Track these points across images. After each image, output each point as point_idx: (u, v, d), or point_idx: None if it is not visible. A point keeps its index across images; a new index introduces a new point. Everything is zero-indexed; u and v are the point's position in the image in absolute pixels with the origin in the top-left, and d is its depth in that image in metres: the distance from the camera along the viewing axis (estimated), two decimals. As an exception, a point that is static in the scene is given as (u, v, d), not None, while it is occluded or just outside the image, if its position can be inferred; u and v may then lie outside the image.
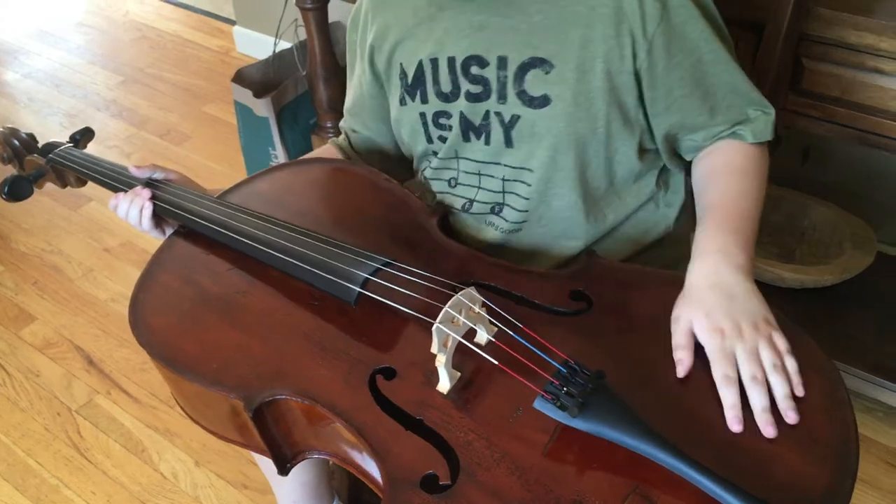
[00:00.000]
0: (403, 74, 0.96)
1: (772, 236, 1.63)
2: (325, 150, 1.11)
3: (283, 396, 0.76)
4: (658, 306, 0.79)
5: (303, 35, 1.85)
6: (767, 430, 0.68)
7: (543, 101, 0.87)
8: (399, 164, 1.08)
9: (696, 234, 0.85)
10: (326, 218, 0.96)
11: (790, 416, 0.69)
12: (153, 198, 0.98)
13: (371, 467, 0.72)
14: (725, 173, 0.90)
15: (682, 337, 0.75)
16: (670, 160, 0.95)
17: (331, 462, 1.04)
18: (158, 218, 0.99)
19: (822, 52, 1.15)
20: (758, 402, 0.70)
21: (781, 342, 0.73)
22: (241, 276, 0.89)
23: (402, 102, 0.97)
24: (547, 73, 0.86)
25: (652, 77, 0.86)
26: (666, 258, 0.98)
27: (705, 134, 0.91)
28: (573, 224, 0.94)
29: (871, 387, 1.42)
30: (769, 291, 1.49)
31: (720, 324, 0.74)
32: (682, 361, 0.74)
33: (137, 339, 0.84)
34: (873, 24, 1.09)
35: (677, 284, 0.80)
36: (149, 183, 1.00)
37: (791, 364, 0.72)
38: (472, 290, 0.76)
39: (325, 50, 1.84)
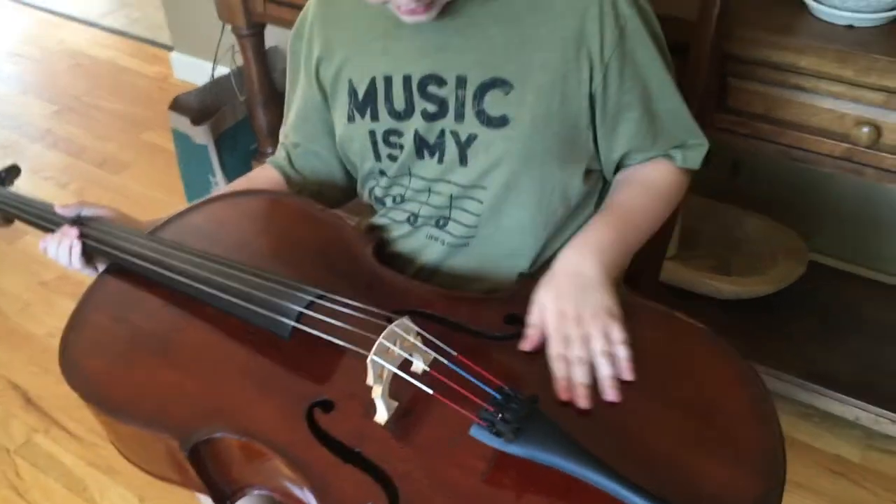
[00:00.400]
0: (353, 91, 0.95)
1: (707, 248, 1.67)
2: (263, 171, 1.09)
3: (220, 434, 0.75)
4: None
5: (241, 60, 1.84)
6: (581, 402, 0.75)
7: (502, 122, 0.88)
8: (342, 181, 1.08)
9: (585, 225, 0.91)
10: (261, 251, 0.95)
11: (609, 394, 0.75)
12: (82, 236, 0.96)
13: (311, 501, 0.72)
14: (639, 185, 0.95)
15: (534, 316, 0.82)
16: (610, 177, 0.98)
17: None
18: (91, 255, 0.97)
19: (746, 71, 1.19)
20: (579, 377, 0.77)
21: (617, 333, 0.79)
22: (175, 312, 0.88)
23: (350, 119, 0.96)
24: (506, 93, 0.87)
25: (604, 100, 0.89)
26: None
27: (644, 156, 0.95)
28: (521, 244, 0.95)
29: (806, 393, 1.45)
30: (707, 304, 1.55)
31: (564, 308, 0.81)
32: (530, 338, 0.80)
33: (69, 383, 0.82)
34: (793, 43, 1.13)
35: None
36: (77, 221, 0.98)
37: (622, 352, 0.78)
38: (405, 320, 0.76)
39: (263, 75, 1.83)
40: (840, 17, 1.13)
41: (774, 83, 1.18)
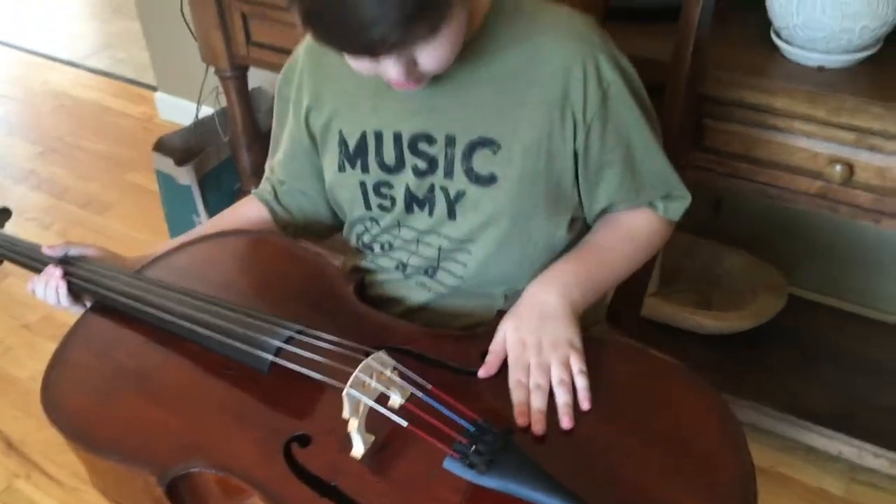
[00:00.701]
0: (343, 142, 0.96)
1: (689, 284, 1.69)
2: (248, 203, 1.09)
3: (197, 469, 0.75)
4: None
5: (224, 101, 1.86)
6: (536, 427, 0.77)
7: (490, 180, 0.90)
8: (328, 219, 1.09)
9: (558, 260, 0.94)
10: (244, 289, 0.97)
11: (564, 421, 0.77)
12: (67, 274, 0.97)
13: (289, 536, 0.72)
14: (618, 228, 0.97)
15: (496, 344, 0.85)
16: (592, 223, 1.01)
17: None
18: (78, 294, 0.98)
19: (721, 112, 1.21)
20: (536, 403, 0.79)
21: (576, 364, 0.82)
22: (157, 349, 0.89)
23: (341, 169, 0.97)
24: (495, 152, 0.89)
25: (586, 158, 0.90)
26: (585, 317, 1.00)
27: (627, 205, 0.97)
28: (504, 289, 0.97)
29: (789, 427, 1.46)
30: (689, 339, 1.56)
31: (525, 337, 0.84)
32: (488, 364, 0.83)
33: (50, 420, 0.82)
34: (765, 84, 1.16)
35: (585, 341, 0.85)
36: (62, 260, 1.00)
37: (580, 382, 0.80)
38: (382, 354, 0.78)
39: (247, 116, 1.85)
40: (810, 58, 1.16)
41: (749, 123, 1.20)
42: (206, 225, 1.08)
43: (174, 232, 2.08)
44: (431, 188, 0.93)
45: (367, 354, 0.78)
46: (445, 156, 0.91)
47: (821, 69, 1.16)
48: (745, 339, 1.58)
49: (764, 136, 1.20)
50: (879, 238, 1.61)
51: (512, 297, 0.96)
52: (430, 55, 0.80)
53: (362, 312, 0.92)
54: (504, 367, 0.83)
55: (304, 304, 0.93)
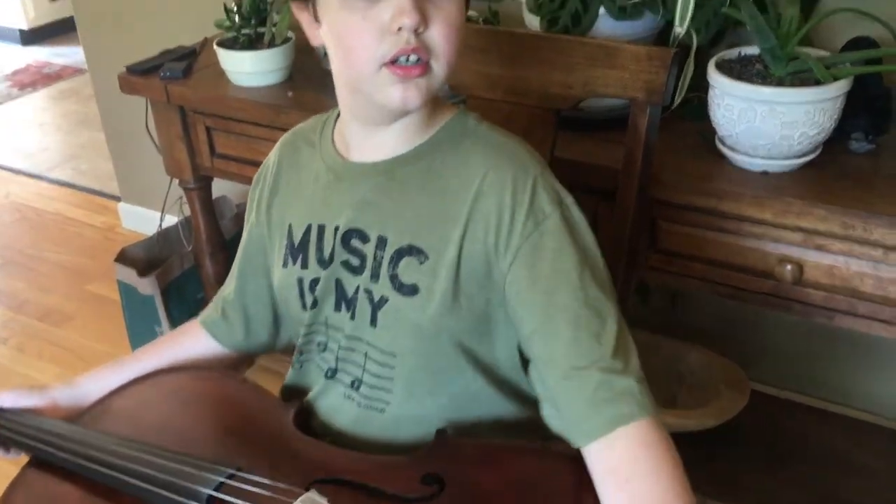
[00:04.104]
0: (290, 235, 0.97)
1: (652, 382, 1.69)
2: (189, 330, 1.10)
3: None
4: (512, 480, 0.81)
5: (188, 211, 1.87)
6: None
7: (412, 290, 0.88)
8: (269, 329, 1.09)
9: None
10: (181, 430, 0.96)
11: None
12: None
13: None
14: (631, 479, 0.78)
15: None
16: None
17: None
18: (6, 443, 0.97)
19: (672, 215, 1.25)
20: None
21: None
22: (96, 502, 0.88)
23: (284, 265, 0.98)
24: (421, 263, 0.88)
25: (517, 291, 0.85)
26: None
27: (550, 346, 0.83)
28: (440, 417, 0.93)
29: (759, 526, 1.45)
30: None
31: None
32: None
33: None
34: (712, 189, 1.20)
35: (534, 455, 0.84)
36: None
37: None
38: (312, 494, 0.78)
39: (210, 226, 1.86)
40: (754, 164, 1.21)
41: (700, 225, 1.24)
42: (147, 353, 1.08)
43: (135, 343, 2.05)
44: (357, 289, 0.91)
45: (299, 495, 0.77)
46: (375, 257, 0.90)
47: (765, 174, 1.21)
48: (711, 436, 1.58)
49: (715, 238, 1.24)
50: (836, 333, 1.64)
51: (455, 426, 0.92)
52: (441, 15, 0.80)
53: (300, 444, 0.91)
54: (442, 495, 0.80)
55: (240, 441, 0.93)
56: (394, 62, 0.81)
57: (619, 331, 0.82)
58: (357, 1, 0.80)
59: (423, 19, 0.79)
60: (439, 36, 0.81)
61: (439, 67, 0.82)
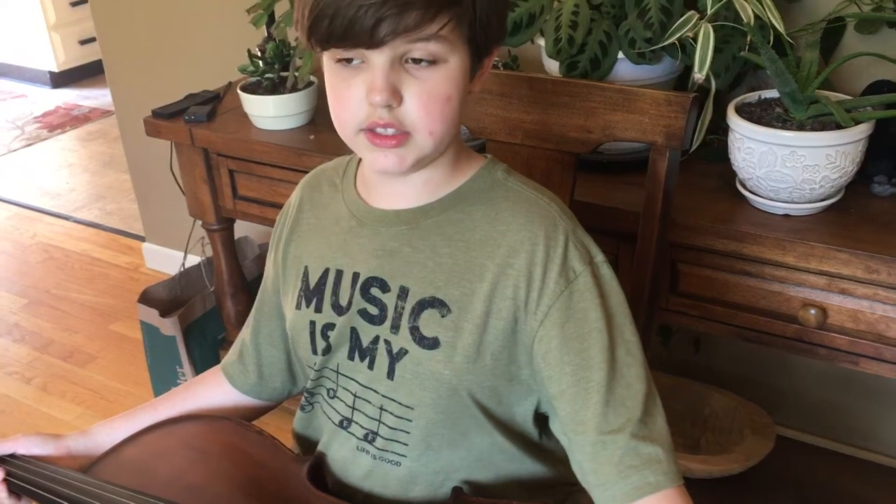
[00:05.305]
0: (305, 276, 0.95)
1: (675, 427, 1.66)
2: (208, 377, 1.10)
3: None
4: None
5: (211, 251, 1.89)
6: None
7: (433, 344, 0.86)
8: (285, 375, 1.07)
9: None
10: (193, 483, 0.95)
11: None
12: (9, 475, 0.96)
13: None
14: None
15: None
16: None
17: None
18: (19, 494, 0.97)
19: (694, 258, 1.25)
20: None
21: None
22: None
23: (298, 306, 0.96)
24: (443, 316, 0.86)
25: (546, 350, 0.84)
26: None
27: (577, 409, 0.82)
28: (459, 473, 0.91)
29: (787, 576, 1.42)
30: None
31: None
32: None
33: None
34: (734, 232, 1.20)
35: None
36: (4, 460, 0.98)
37: None
38: None
39: (232, 267, 1.88)
40: (776, 207, 1.21)
41: (721, 269, 1.23)
42: (164, 402, 1.07)
43: (156, 383, 2.06)
44: (376, 340, 0.89)
45: None
46: (395, 307, 0.88)
47: (787, 217, 1.20)
48: (737, 481, 1.55)
49: (737, 281, 1.23)
50: (862, 377, 1.62)
51: (471, 483, 0.91)
52: (418, 87, 0.79)
53: (313, 499, 0.90)
54: None
55: (253, 497, 0.91)
56: (371, 130, 0.81)
57: (647, 393, 0.82)
58: (342, 70, 0.81)
59: (396, 95, 0.78)
60: (416, 109, 0.79)
61: (421, 138, 0.81)
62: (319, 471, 0.96)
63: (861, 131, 1.15)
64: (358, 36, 0.76)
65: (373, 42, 0.76)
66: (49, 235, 3.09)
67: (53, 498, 0.92)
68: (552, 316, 0.83)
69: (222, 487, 0.94)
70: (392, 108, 0.79)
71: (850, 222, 1.19)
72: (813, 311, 1.17)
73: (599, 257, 0.86)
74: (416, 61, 0.79)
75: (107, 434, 1.03)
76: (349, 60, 0.80)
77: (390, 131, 0.80)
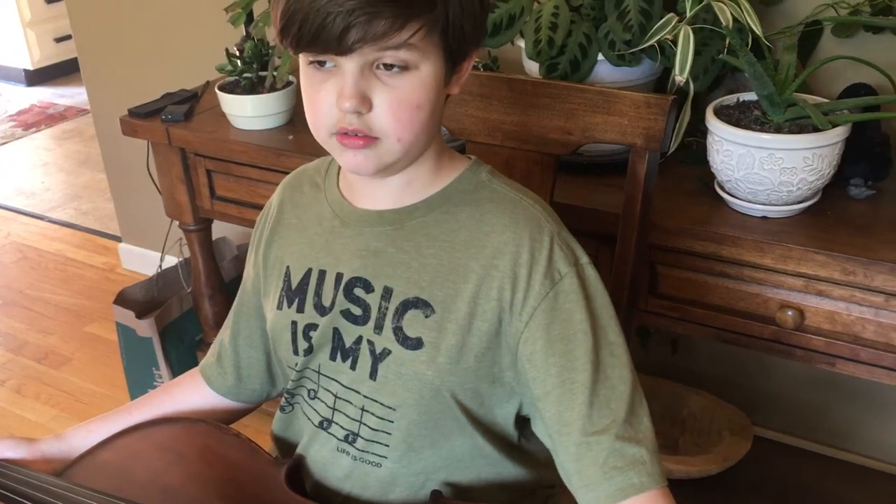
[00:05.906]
0: (287, 277, 0.95)
1: (654, 427, 1.67)
2: (186, 379, 1.09)
3: None
4: None
5: (188, 252, 1.87)
6: None
7: (416, 344, 0.86)
8: (263, 376, 1.06)
9: None
10: (169, 485, 0.94)
11: None
12: None
13: None
14: None
15: None
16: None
17: None
18: None
19: (672, 260, 1.25)
20: None
21: None
22: None
23: (279, 307, 0.95)
24: (427, 316, 0.86)
25: (531, 352, 0.84)
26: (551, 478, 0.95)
27: (561, 409, 0.83)
28: (438, 474, 0.91)
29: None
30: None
31: None
32: None
33: None
34: (712, 234, 1.20)
35: None
36: None
37: None
38: None
39: (210, 268, 1.86)
40: (753, 209, 1.21)
41: (700, 270, 1.24)
42: (139, 405, 1.06)
43: (132, 385, 2.04)
44: (359, 340, 0.89)
45: None
46: (379, 308, 0.88)
47: (765, 219, 1.21)
48: (716, 481, 1.55)
49: (715, 283, 1.24)
50: (839, 378, 1.63)
51: (452, 485, 0.91)
52: (389, 94, 0.79)
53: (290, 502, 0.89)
54: None
55: (229, 500, 0.91)
56: (341, 132, 0.81)
57: (631, 394, 0.82)
58: (315, 73, 0.81)
59: (365, 102, 0.78)
60: (385, 116, 0.79)
61: (389, 143, 0.81)
62: (297, 474, 0.95)
63: (838, 134, 1.16)
64: (326, 42, 0.76)
65: (341, 49, 0.76)
66: (23, 235, 3.05)
67: (25, 502, 0.90)
68: (537, 317, 0.83)
69: (199, 490, 0.93)
70: (361, 114, 0.79)
71: (827, 224, 1.20)
72: (790, 313, 1.18)
73: (584, 259, 0.86)
74: (388, 67, 0.78)
75: (82, 437, 1.02)
76: (322, 63, 0.80)
77: (359, 135, 0.81)
